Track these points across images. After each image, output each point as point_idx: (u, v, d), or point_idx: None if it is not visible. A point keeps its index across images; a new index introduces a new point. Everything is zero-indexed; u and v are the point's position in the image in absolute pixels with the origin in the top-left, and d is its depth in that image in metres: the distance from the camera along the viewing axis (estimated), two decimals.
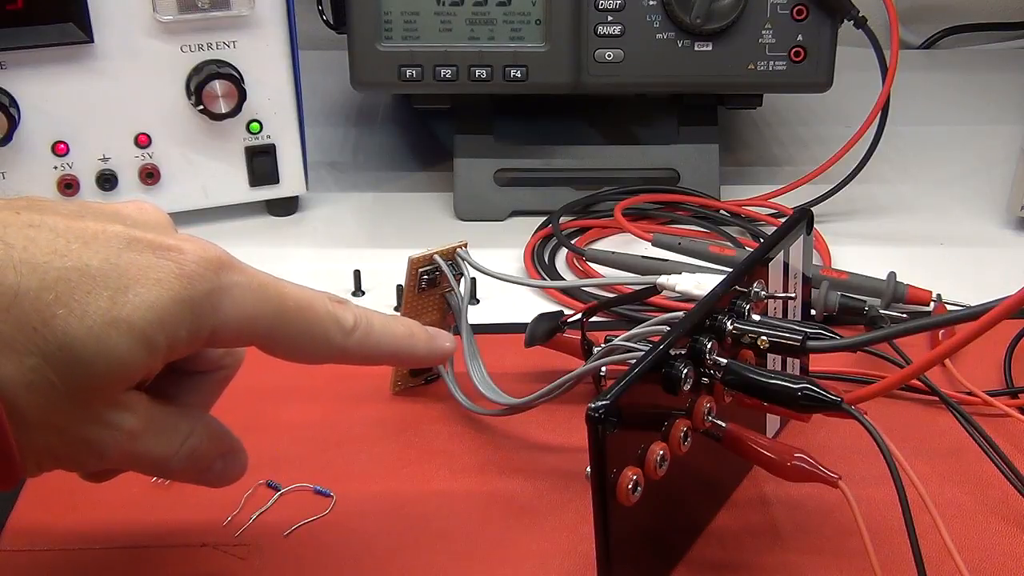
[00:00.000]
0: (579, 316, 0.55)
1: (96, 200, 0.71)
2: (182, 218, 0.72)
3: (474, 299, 0.66)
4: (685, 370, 0.42)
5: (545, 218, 0.75)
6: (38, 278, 0.34)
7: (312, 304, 0.40)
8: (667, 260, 0.67)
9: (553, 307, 0.63)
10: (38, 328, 0.33)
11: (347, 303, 0.42)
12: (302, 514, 0.49)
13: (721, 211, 0.77)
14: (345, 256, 0.72)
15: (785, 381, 0.43)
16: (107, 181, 0.72)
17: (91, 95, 0.70)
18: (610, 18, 0.72)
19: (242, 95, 0.71)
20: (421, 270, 0.54)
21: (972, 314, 0.39)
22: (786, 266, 0.51)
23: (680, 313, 0.50)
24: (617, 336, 0.53)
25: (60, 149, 0.70)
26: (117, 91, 0.70)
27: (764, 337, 0.45)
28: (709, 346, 0.44)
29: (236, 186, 0.75)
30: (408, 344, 0.44)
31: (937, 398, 0.55)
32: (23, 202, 0.36)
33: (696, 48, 0.73)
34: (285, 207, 0.78)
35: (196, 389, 0.42)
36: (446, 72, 0.72)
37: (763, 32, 0.73)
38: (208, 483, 0.41)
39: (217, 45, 0.71)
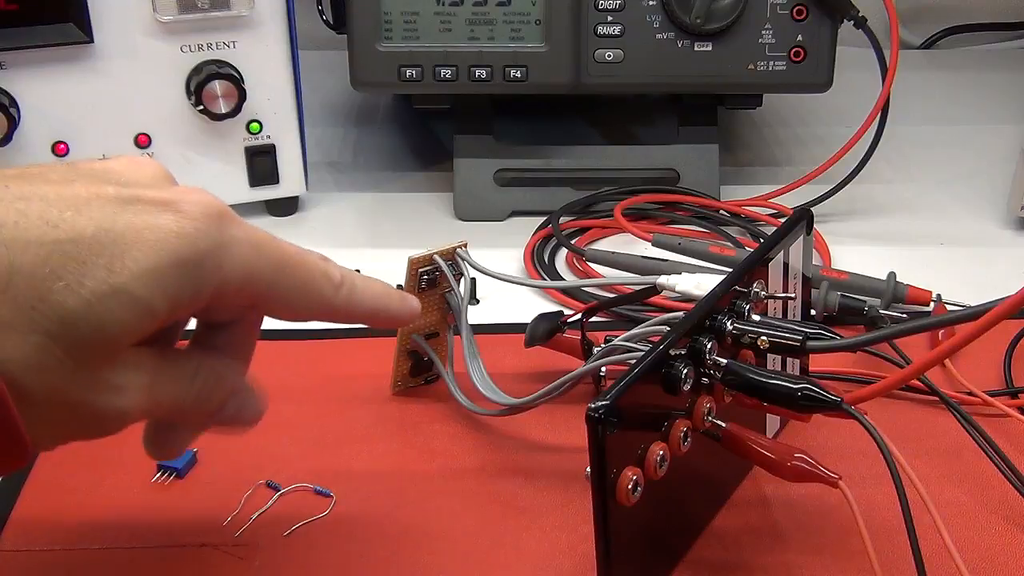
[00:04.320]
0: (579, 316, 0.55)
1: None
2: None
3: (474, 299, 0.66)
4: (685, 370, 0.42)
5: (545, 218, 0.75)
6: (32, 255, 0.33)
7: (306, 260, 0.40)
8: (667, 260, 0.67)
9: (553, 307, 0.63)
10: (36, 306, 0.33)
11: (330, 260, 0.42)
12: (302, 514, 0.49)
13: (721, 211, 0.77)
14: (345, 256, 0.70)
15: (785, 381, 0.43)
16: None
17: (91, 95, 0.70)
18: (610, 18, 0.72)
19: (242, 95, 0.71)
20: (421, 270, 0.54)
21: (972, 314, 0.39)
22: (786, 266, 0.51)
23: (680, 313, 0.50)
24: (617, 336, 0.53)
25: (60, 149, 0.70)
26: (117, 91, 0.70)
27: (764, 337, 0.45)
28: (709, 346, 0.44)
29: (236, 186, 0.75)
30: (385, 302, 0.44)
31: (937, 398, 0.55)
32: (12, 172, 0.35)
33: (696, 48, 0.73)
34: (285, 207, 0.78)
35: (232, 339, 0.41)
36: (446, 72, 0.72)
37: (763, 32, 0.73)
38: (227, 425, 0.41)
39: (217, 45, 0.71)
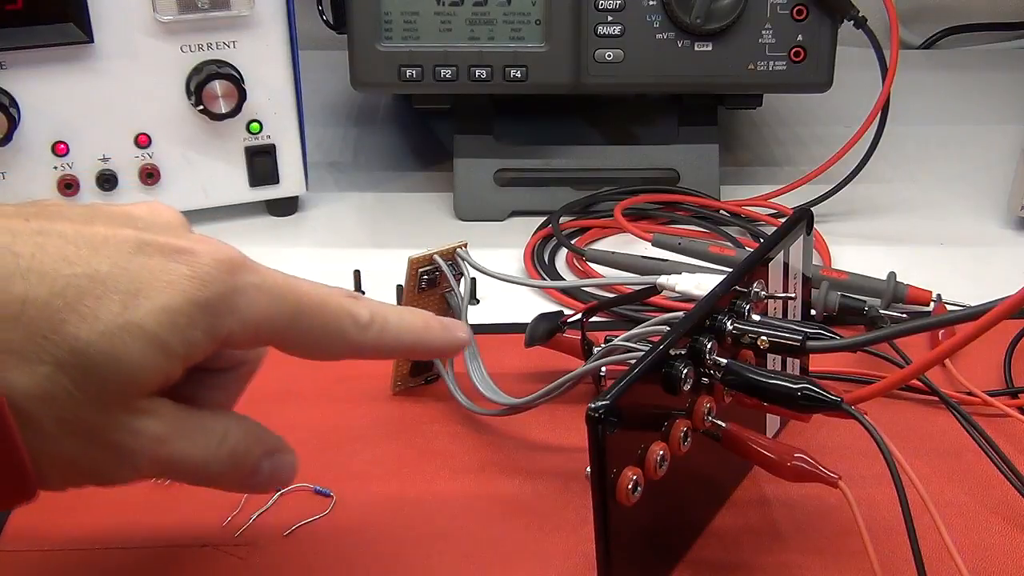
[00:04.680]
0: (579, 316, 0.55)
1: (96, 201, 0.71)
2: None
3: (474, 299, 0.66)
4: (685, 370, 0.42)
5: (545, 218, 0.75)
6: (47, 286, 0.33)
7: (327, 302, 0.39)
8: (667, 260, 0.67)
9: (553, 307, 0.63)
10: (48, 335, 0.33)
11: (361, 298, 0.41)
12: (302, 514, 0.49)
13: (721, 211, 0.77)
14: (345, 256, 0.72)
15: (785, 381, 0.43)
16: (107, 181, 0.72)
17: (91, 95, 0.70)
18: (610, 18, 0.72)
19: (242, 95, 0.71)
20: (421, 270, 0.54)
21: (972, 314, 0.39)
22: (786, 266, 0.51)
23: (680, 313, 0.50)
24: (617, 336, 0.53)
25: (60, 149, 0.70)
26: (117, 91, 0.70)
27: (764, 337, 0.45)
28: (709, 346, 0.44)
29: (236, 186, 0.75)
30: (424, 336, 0.43)
31: (937, 398, 0.55)
32: (33, 208, 0.36)
33: (696, 48, 0.73)
34: (285, 207, 0.78)
35: (219, 386, 0.41)
36: (446, 72, 0.72)
37: (763, 32, 0.73)
38: (260, 487, 0.40)
39: (217, 45, 0.71)
